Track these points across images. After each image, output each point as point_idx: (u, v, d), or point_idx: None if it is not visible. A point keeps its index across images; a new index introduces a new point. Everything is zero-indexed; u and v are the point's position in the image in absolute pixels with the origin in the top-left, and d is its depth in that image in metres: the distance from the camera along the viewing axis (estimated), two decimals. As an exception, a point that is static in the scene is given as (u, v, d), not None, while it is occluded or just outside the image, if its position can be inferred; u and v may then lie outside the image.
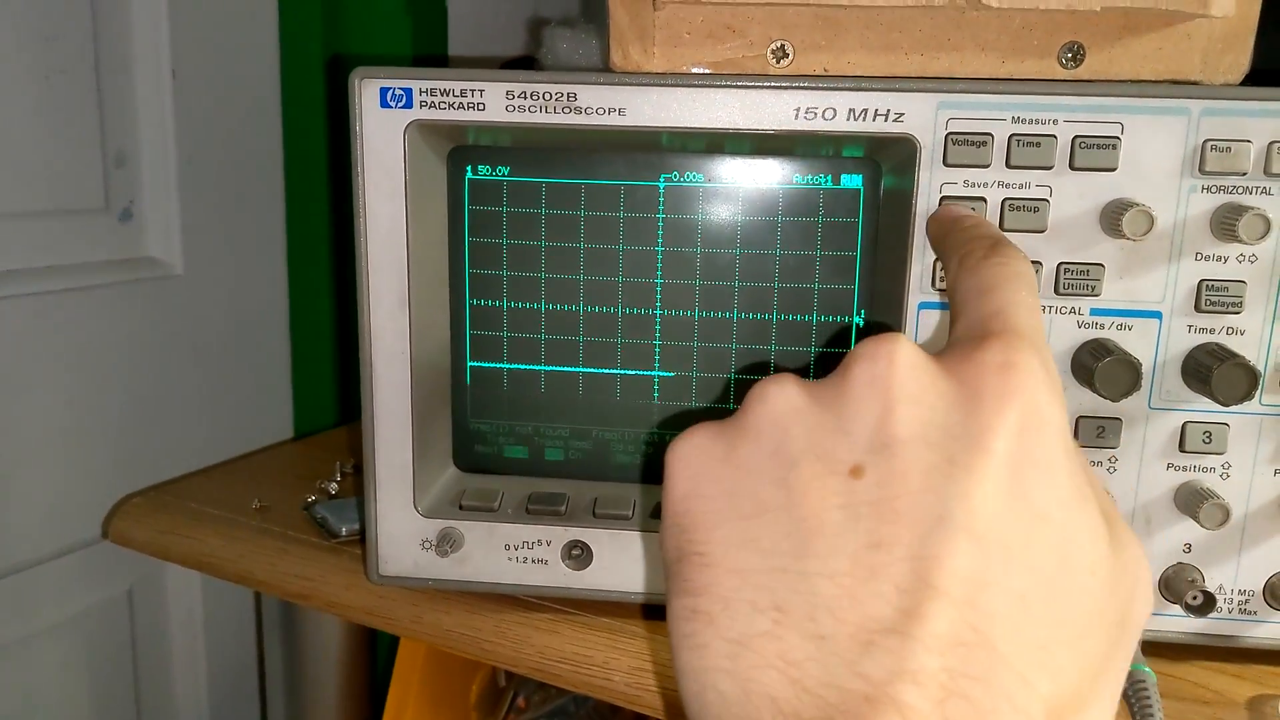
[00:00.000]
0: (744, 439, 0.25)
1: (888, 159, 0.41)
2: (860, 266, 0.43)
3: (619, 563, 0.44)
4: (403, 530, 0.45)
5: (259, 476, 0.63)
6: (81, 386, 0.73)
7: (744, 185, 0.43)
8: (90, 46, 0.71)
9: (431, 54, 0.81)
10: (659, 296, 0.44)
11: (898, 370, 0.24)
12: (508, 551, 0.44)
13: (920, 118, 0.38)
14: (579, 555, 0.44)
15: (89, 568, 0.76)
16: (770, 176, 0.43)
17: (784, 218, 0.43)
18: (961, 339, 0.26)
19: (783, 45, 0.38)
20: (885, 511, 0.22)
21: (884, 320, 0.42)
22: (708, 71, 0.40)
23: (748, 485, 0.24)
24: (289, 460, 0.68)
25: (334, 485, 0.60)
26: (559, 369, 0.46)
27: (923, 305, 0.40)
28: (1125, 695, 0.34)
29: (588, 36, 0.47)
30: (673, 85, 0.39)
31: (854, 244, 0.43)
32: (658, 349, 0.45)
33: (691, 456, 0.26)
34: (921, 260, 0.40)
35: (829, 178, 0.42)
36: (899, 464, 0.23)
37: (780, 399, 0.25)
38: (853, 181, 0.42)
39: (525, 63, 0.71)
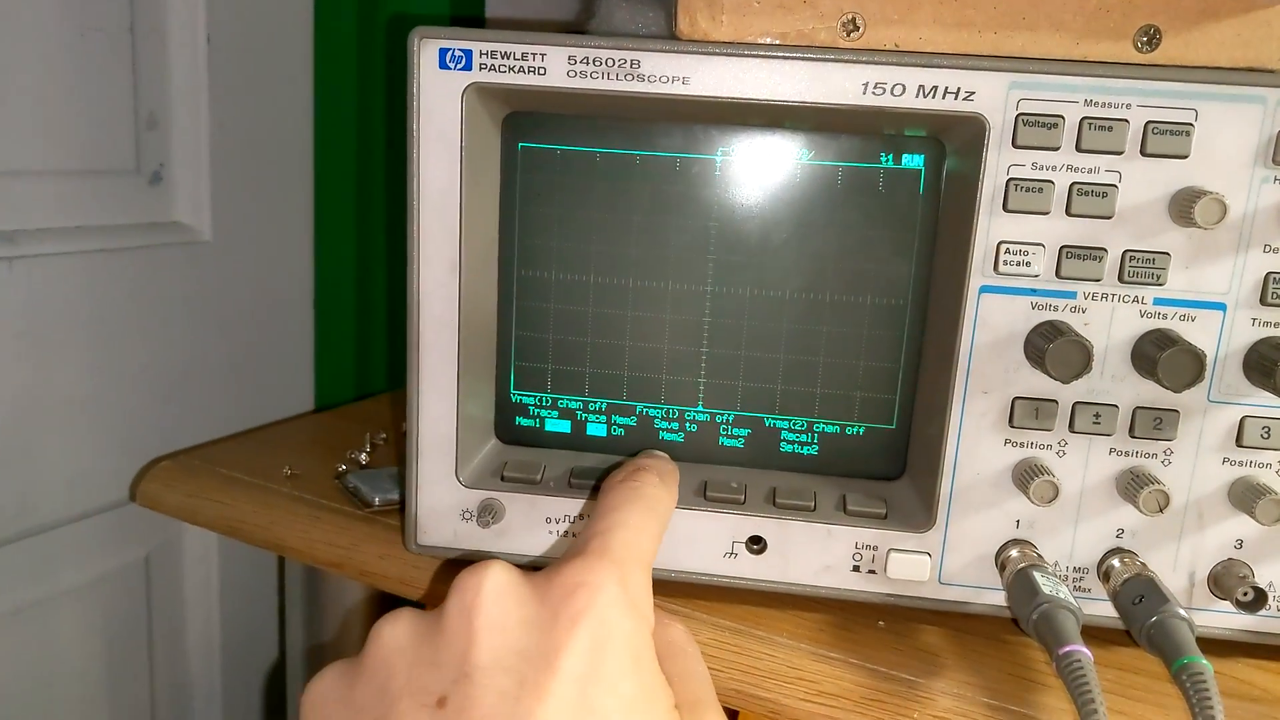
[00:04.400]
0: (360, 678, 0.27)
1: (953, 139, 0.40)
2: (918, 249, 0.42)
3: (661, 540, 0.43)
4: (443, 500, 0.44)
5: (287, 445, 0.62)
6: (105, 349, 0.73)
7: (803, 162, 0.42)
8: (126, 6, 0.71)
9: (468, 15, 0.80)
10: (710, 272, 0.44)
11: (483, 599, 0.26)
12: (548, 525, 0.44)
13: (991, 97, 0.38)
14: (621, 531, 0.43)
15: (108, 533, 0.75)
16: (830, 153, 0.42)
17: (842, 196, 0.42)
18: (562, 557, 0.28)
19: (854, 18, 0.38)
20: None
21: (943, 303, 0.41)
22: (776, 42, 0.39)
23: None
24: (315, 430, 0.67)
25: (364, 455, 0.60)
26: (605, 342, 0.45)
27: (984, 289, 0.39)
28: (1184, 688, 0.33)
29: (645, 6, 0.46)
30: (740, 55, 0.38)
31: (913, 225, 0.42)
32: (706, 326, 0.44)
33: (318, 701, 0.28)
34: (985, 243, 0.39)
35: (890, 156, 0.42)
36: (475, 690, 0.24)
37: (389, 637, 0.27)
38: (914, 161, 0.42)
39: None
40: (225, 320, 0.81)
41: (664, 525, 0.33)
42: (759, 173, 0.43)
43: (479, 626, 0.25)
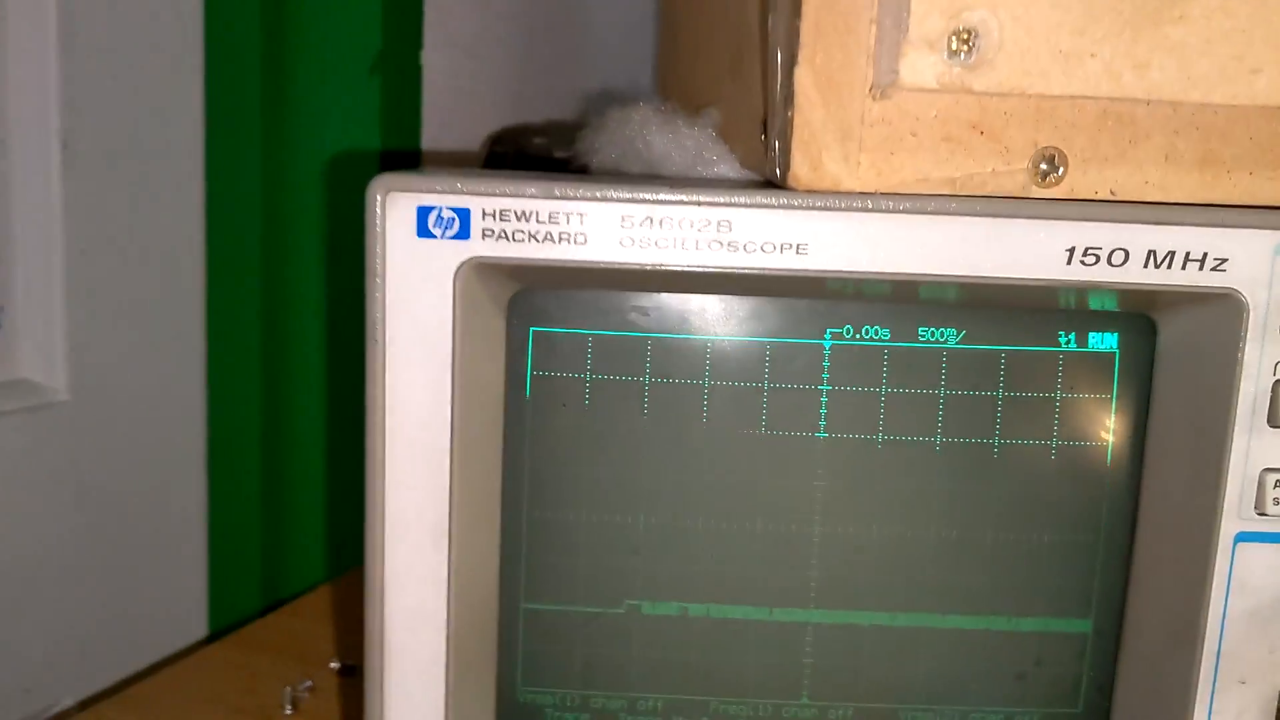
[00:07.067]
0: None
1: (1182, 318, 0.28)
2: (1112, 465, 0.30)
3: None
4: None
5: (183, 705, 0.45)
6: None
7: (949, 346, 0.29)
8: (-53, 111, 0.54)
9: (398, 149, 0.65)
10: (818, 509, 0.30)
11: None
12: None
13: (1251, 266, 0.26)
14: None
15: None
16: (989, 334, 0.29)
17: (1005, 393, 0.30)
18: None
19: (1053, 156, 0.25)
20: None
21: (1174, 553, 0.28)
22: (939, 193, 0.26)
23: None
24: (208, 676, 0.49)
25: (288, 709, 0.43)
26: (659, 612, 0.31)
27: (1242, 536, 0.27)
28: None
29: (691, 126, 0.33)
30: (889, 211, 0.25)
31: (1104, 431, 0.30)
32: (813, 583, 0.31)
33: None
34: (1244, 473, 0.27)
35: (1072, 336, 0.29)
36: None
37: None
38: (1106, 342, 0.29)
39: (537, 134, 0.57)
40: (90, 504, 0.62)
41: None
42: (884, 362, 0.29)
43: None
